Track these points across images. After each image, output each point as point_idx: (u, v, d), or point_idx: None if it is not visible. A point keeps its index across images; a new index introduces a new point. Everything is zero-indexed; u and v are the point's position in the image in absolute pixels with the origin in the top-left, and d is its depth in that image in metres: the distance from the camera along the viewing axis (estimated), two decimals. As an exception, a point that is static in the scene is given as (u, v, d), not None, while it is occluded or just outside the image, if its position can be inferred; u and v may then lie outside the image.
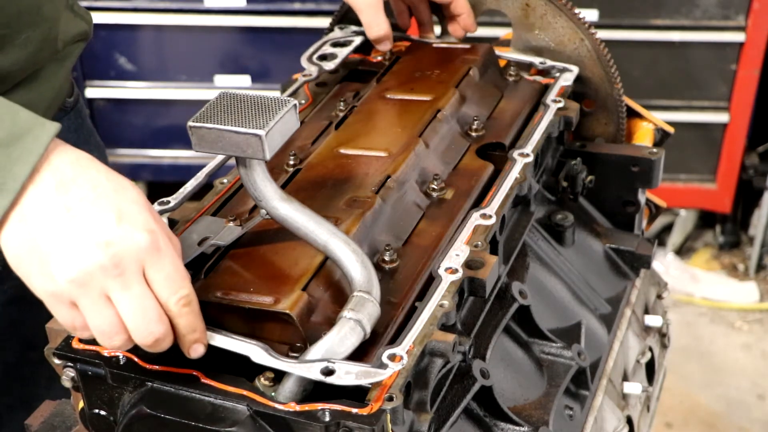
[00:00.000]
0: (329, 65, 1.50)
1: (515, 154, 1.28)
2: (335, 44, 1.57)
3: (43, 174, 0.92)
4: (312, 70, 1.49)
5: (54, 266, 0.90)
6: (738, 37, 3.23)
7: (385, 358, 0.93)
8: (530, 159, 1.27)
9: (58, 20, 1.33)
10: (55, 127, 0.94)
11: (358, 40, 1.57)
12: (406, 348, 0.95)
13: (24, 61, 1.27)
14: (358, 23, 1.63)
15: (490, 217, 1.16)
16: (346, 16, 1.65)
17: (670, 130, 1.60)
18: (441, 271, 1.07)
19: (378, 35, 1.51)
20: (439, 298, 1.03)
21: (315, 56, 1.53)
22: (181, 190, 1.19)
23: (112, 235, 0.90)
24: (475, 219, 1.16)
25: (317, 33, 1.64)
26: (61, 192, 0.91)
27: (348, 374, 0.92)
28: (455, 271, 1.07)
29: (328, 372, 0.92)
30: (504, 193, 1.21)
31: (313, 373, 0.92)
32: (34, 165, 0.91)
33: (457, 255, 1.10)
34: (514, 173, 1.25)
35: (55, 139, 0.94)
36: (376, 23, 1.50)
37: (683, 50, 3.29)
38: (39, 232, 0.91)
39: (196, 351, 0.96)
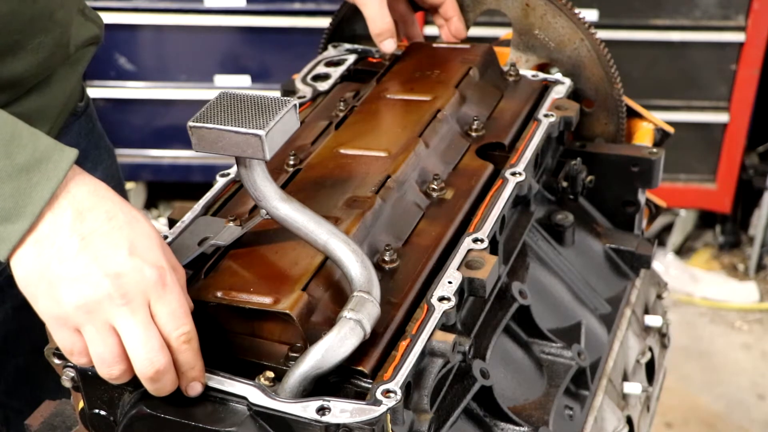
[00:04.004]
0: (323, 86, 1.49)
1: (507, 173, 1.27)
2: (329, 63, 1.56)
3: (61, 201, 0.94)
4: (306, 92, 1.48)
5: (62, 291, 0.92)
6: (738, 37, 3.23)
7: (378, 395, 0.93)
8: (522, 178, 1.26)
9: (70, 25, 1.33)
10: (74, 153, 0.96)
11: (351, 59, 1.57)
12: (399, 383, 0.95)
13: (36, 66, 1.28)
14: (351, 39, 1.63)
15: (482, 241, 1.15)
16: (340, 27, 1.65)
17: (670, 130, 1.60)
18: (434, 301, 1.06)
19: (382, 28, 1.48)
20: (432, 329, 1.02)
21: (309, 77, 1.52)
22: (178, 224, 1.19)
23: (123, 268, 0.92)
24: (468, 244, 1.14)
25: (317, 33, 1.64)
26: (77, 221, 0.93)
27: (343, 412, 0.92)
28: (448, 299, 1.06)
29: (324, 410, 0.92)
30: (495, 216, 1.19)
31: (309, 412, 0.92)
32: (53, 191, 0.93)
33: (449, 282, 1.08)
34: (506, 194, 1.23)
35: (74, 166, 0.96)
36: (380, 16, 1.47)
37: (683, 50, 3.29)
38: (52, 257, 0.93)
39: (194, 389, 0.97)
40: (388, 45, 1.50)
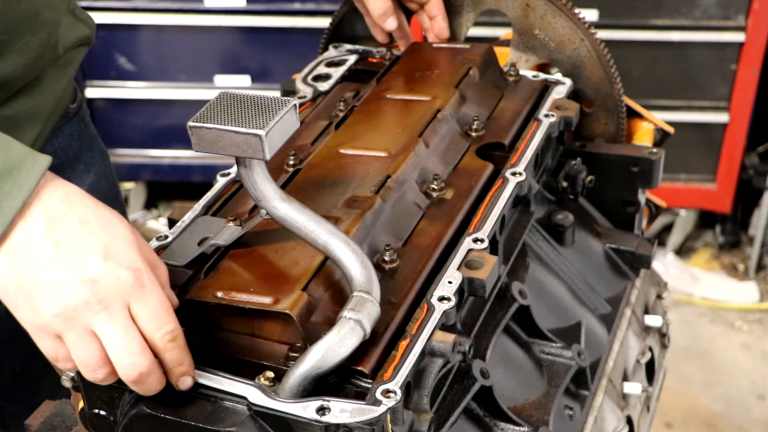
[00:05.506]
0: (324, 86, 1.50)
1: (508, 173, 1.27)
2: (330, 64, 1.57)
3: (33, 209, 0.93)
4: (307, 92, 1.48)
5: (40, 300, 0.92)
6: (738, 37, 3.23)
7: (378, 395, 0.93)
8: (523, 178, 1.26)
9: (58, 25, 1.32)
10: (47, 160, 0.95)
11: (352, 59, 1.57)
12: (399, 383, 0.95)
13: (24, 67, 1.26)
14: (351, 40, 1.63)
15: (482, 241, 1.15)
16: (339, 28, 1.65)
17: (670, 130, 1.60)
18: (434, 301, 1.06)
19: (384, 8, 1.52)
20: (432, 329, 1.02)
21: (310, 77, 1.53)
22: (179, 224, 1.19)
23: (98, 273, 0.92)
24: (468, 244, 1.14)
25: (317, 33, 1.64)
26: (50, 228, 0.92)
27: (343, 412, 0.92)
28: (448, 299, 1.06)
29: (324, 410, 0.92)
30: (496, 216, 1.19)
31: (309, 412, 0.92)
32: (25, 200, 0.92)
33: (449, 282, 1.08)
34: (506, 194, 1.23)
35: (48, 172, 0.95)
36: None
37: (683, 50, 3.29)
38: (27, 266, 0.92)
39: (185, 383, 0.97)
40: (391, 23, 1.55)
